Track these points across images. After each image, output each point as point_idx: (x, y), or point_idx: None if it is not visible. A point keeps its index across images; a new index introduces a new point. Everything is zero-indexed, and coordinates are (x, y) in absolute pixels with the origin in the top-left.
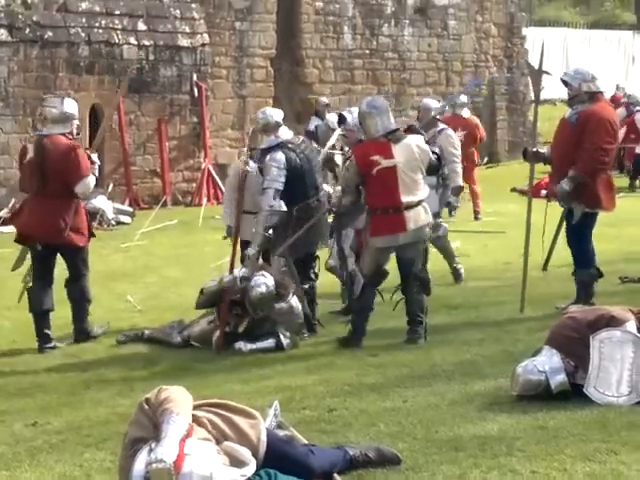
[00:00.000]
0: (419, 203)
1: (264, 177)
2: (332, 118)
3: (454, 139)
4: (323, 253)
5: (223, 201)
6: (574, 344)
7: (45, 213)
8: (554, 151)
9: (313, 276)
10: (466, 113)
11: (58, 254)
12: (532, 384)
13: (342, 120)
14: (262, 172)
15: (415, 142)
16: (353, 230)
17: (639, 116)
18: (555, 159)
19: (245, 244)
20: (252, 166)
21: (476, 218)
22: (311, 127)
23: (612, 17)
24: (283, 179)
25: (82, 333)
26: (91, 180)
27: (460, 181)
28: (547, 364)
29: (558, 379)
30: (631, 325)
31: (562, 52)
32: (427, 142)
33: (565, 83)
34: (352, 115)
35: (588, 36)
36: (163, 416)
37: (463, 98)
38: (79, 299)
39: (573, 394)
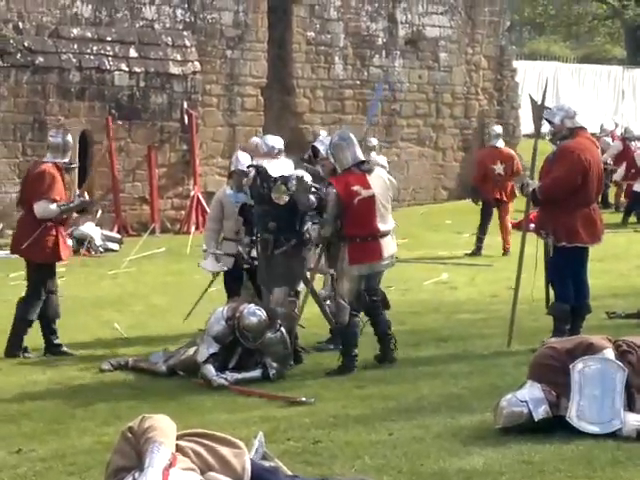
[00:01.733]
0: (390, 232)
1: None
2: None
3: None
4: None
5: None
6: (555, 372)
7: (17, 227)
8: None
9: None
10: (500, 144)
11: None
12: (515, 415)
13: (315, 152)
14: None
15: (384, 174)
16: None
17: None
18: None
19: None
20: (229, 194)
21: (505, 253)
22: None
23: (602, 52)
24: None
25: (12, 348)
26: (50, 206)
27: None
28: (528, 395)
29: (540, 409)
30: (609, 352)
31: (552, 86)
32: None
33: (548, 120)
34: (324, 145)
35: (578, 70)
36: (146, 445)
37: (497, 129)
38: (17, 316)
39: (557, 426)
